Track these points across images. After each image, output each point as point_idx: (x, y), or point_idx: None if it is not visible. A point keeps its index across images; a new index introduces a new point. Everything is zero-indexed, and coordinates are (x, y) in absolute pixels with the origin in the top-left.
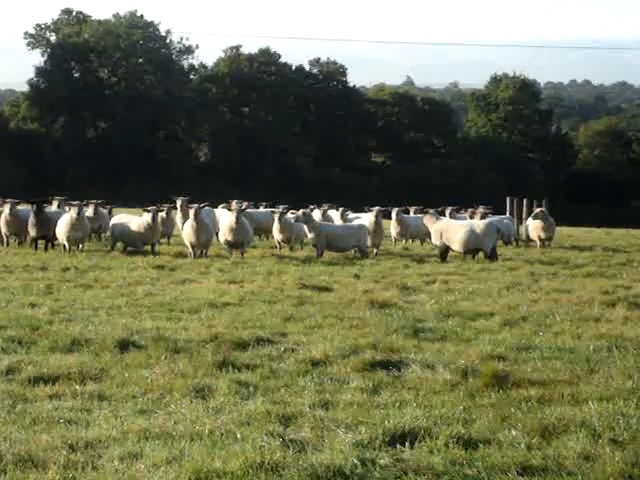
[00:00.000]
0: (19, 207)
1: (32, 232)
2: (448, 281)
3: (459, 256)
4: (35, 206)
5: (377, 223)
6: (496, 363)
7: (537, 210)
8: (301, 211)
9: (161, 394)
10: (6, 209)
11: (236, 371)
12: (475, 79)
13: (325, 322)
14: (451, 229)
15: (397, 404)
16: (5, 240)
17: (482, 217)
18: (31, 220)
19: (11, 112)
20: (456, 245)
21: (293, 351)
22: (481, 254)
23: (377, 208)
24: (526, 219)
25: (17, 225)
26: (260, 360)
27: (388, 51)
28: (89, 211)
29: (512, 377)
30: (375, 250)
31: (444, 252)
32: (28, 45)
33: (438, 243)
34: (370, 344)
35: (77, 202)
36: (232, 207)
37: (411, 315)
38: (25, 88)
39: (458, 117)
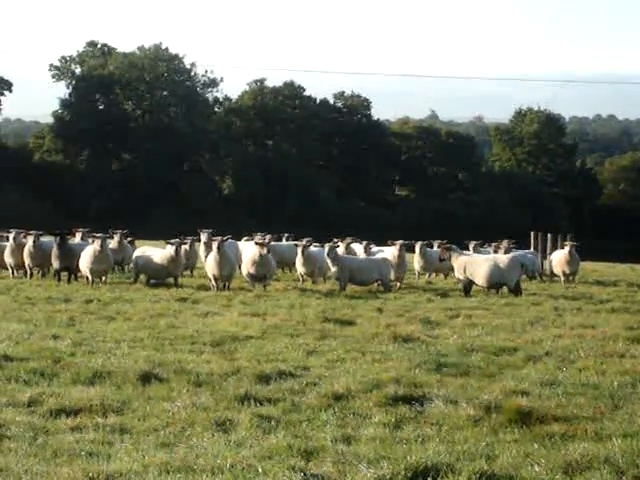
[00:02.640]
0: (42, 239)
1: (55, 264)
2: (472, 315)
3: (483, 290)
4: (58, 238)
5: (400, 257)
6: (519, 399)
7: (568, 245)
8: (327, 246)
9: (183, 427)
10: (29, 241)
11: (258, 405)
12: (500, 113)
13: (348, 356)
14: (475, 263)
15: (420, 439)
16: (28, 272)
17: (506, 251)
18: (54, 252)
19: (35, 144)
20: (480, 279)
21: (315, 385)
22: (505, 289)
23: (400, 242)
24: (550, 254)
25: (40, 257)
26: (282, 394)
27: (412, 84)
28: (113, 243)
29: (535, 413)
30: (398, 284)
31: (468, 286)
32: (53, 77)
33: (462, 277)
34: (393, 379)
35: (100, 234)
36: (258, 240)
37: (434, 350)
38: (49, 120)
39: (482, 151)
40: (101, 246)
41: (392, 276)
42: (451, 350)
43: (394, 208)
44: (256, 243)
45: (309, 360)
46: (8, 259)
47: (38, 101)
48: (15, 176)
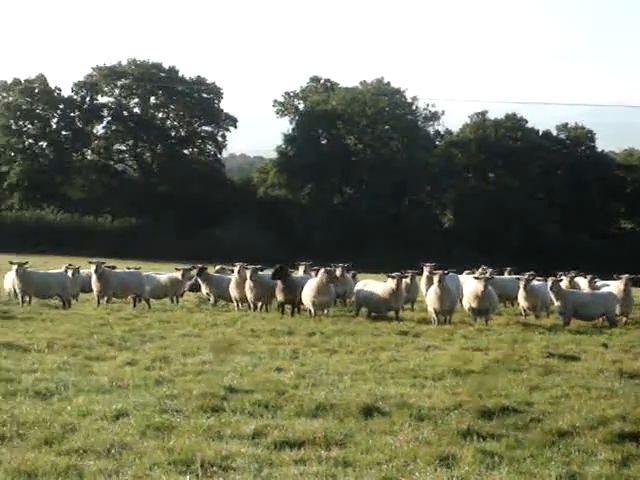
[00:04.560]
0: (261, 273)
1: (279, 297)
2: None
3: None
4: (281, 271)
5: (626, 291)
6: None
7: None
8: (550, 280)
9: (405, 462)
10: (248, 275)
11: (481, 440)
12: None
13: (572, 392)
14: None
15: None
16: (252, 305)
17: None
18: (279, 285)
19: (260, 179)
20: None
21: (539, 421)
22: None
23: (626, 276)
24: None
25: (260, 290)
26: (505, 429)
27: (638, 116)
28: (337, 271)
29: None
30: (624, 319)
31: None
32: (277, 113)
33: None
34: (619, 415)
35: (320, 267)
36: (479, 275)
37: None
38: (273, 155)
39: None
40: (327, 280)
41: (618, 311)
42: None
43: (619, 241)
44: (475, 278)
45: (532, 396)
46: (233, 292)
47: (262, 136)
48: (240, 210)
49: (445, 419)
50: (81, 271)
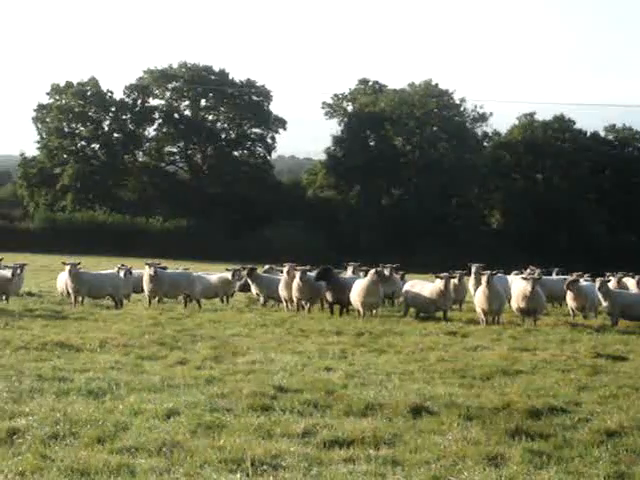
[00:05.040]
0: (310, 273)
1: (329, 297)
2: None
3: None
4: (326, 271)
5: None
6: None
7: None
8: (598, 280)
9: (454, 461)
10: (297, 276)
11: (529, 440)
12: None
13: (620, 392)
14: None
15: None
16: (295, 303)
17: None
18: (328, 285)
19: (309, 180)
20: None
21: (587, 421)
22: None
23: None
24: None
25: (309, 291)
26: (553, 429)
27: None
28: (386, 272)
29: None
30: None
31: None
32: (326, 115)
33: None
34: None
35: (369, 268)
36: (527, 275)
37: None
38: (322, 157)
39: None
40: (375, 279)
41: None
42: None
43: None
44: (523, 278)
45: (580, 396)
46: (282, 292)
47: (311, 138)
48: (289, 211)
49: (493, 419)
50: (133, 271)
